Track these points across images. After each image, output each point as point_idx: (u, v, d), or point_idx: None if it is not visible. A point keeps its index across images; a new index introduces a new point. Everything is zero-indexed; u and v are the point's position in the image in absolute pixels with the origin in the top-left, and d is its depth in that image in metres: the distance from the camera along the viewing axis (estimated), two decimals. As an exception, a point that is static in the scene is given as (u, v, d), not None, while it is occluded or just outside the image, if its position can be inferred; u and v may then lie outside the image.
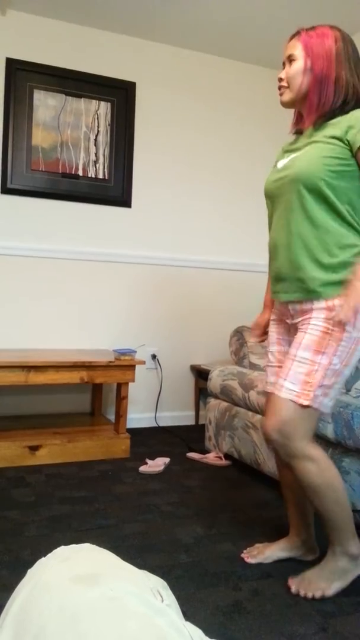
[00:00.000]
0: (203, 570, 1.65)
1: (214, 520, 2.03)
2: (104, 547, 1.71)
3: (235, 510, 2.13)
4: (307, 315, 1.53)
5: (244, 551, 1.77)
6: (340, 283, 1.48)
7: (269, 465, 2.35)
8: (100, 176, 3.31)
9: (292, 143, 1.66)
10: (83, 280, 3.31)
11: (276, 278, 1.62)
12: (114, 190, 3.35)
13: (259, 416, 2.45)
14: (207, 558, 1.73)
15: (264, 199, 3.72)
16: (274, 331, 1.73)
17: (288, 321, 1.64)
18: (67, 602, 0.80)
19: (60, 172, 3.21)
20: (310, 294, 1.51)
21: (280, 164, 1.62)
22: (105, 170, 3.32)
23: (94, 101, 3.28)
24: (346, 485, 1.89)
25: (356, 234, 1.51)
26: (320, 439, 2.05)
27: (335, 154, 1.47)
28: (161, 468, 2.58)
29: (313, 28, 1.55)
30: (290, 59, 1.56)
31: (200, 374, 3.51)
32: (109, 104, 3.31)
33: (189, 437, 3.25)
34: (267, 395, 1.68)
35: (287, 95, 1.58)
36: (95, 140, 3.30)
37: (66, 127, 3.22)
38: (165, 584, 0.91)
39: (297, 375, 1.48)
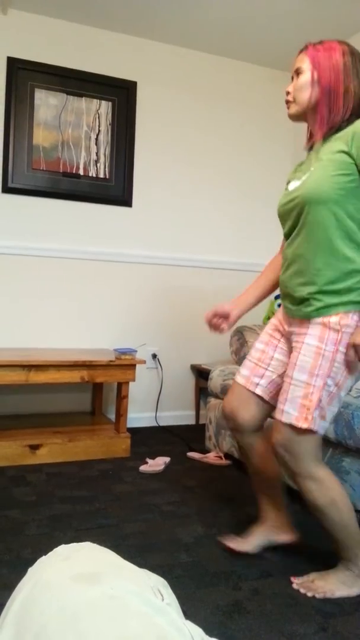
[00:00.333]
0: (203, 569, 1.66)
1: (215, 520, 2.03)
2: (105, 547, 1.71)
3: (235, 510, 2.13)
4: (303, 330, 1.54)
5: (226, 541, 1.78)
6: (341, 304, 1.48)
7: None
8: (101, 175, 3.31)
9: (303, 162, 1.66)
10: (84, 279, 3.31)
11: (284, 293, 1.64)
12: (115, 189, 3.35)
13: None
14: (207, 557, 1.73)
15: (264, 198, 3.73)
16: (268, 331, 1.74)
17: (285, 327, 1.66)
18: (68, 600, 0.80)
19: (61, 171, 3.21)
20: (311, 314, 1.52)
21: (291, 186, 1.62)
22: (106, 169, 3.32)
23: (95, 100, 3.28)
24: (346, 485, 1.90)
25: None
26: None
27: (342, 171, 1.46)
28: (161, 467, 2.58)
29: (321, 42, 1.55)
30: (298, 72, 1.56)
31: (201, 374, 3.51)
32: (110, 103, 3.31)
33: (190, 436, 3.25)
34: (235, 385, 1.72)
35: (293, 109, 1.59)
36: (96, 139, 3.30)
37: (67, 127, 3.22)
38: (165, 582, 0.91)
39: (295, 399, 1.49)
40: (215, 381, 2.81)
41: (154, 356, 3.48)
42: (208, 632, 1.33)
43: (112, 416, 3.38)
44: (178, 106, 3.50)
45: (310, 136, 1.64)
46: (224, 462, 2.70)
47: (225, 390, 2.70)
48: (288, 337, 1.65)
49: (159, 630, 0.76)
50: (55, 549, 0.96)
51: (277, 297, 3.28)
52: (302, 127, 3.51)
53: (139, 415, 3.47)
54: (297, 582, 1.58)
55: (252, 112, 3.70)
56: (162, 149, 3.47)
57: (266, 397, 1.68)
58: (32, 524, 1.93)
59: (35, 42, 3.15)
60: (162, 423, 3.52)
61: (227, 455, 2.76)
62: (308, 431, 1.48)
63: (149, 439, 3.15)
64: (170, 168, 3.49)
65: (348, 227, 1.47)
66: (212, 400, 2.88)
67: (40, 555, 0.97)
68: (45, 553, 0.98)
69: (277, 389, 1.67)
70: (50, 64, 3.17)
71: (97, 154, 3.30)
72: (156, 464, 2.60)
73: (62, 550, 0.95)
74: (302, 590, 1.54)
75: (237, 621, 1.40)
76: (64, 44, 3.22)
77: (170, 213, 3.50)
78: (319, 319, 1.50)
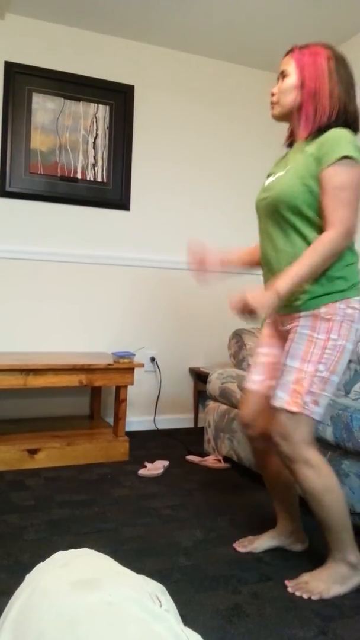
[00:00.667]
0: (202, 573, 1.65)
1: (214, 524, 2.03)
2: (103, 551, 1.71)
3: (234, 513, 2.13)
4: (295, 323, 1.59)
5: (237, 542, 1.84)
6: (326, 294, 1.54)
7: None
8: (99, 179, 3.31)
9: (282, 158, 1.71)
10: (82, 283, 3.31)
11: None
12: (113, 193, 3.35)
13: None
14: (206, 561, 1.73)
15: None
16: (266, 333, 1.79)
17: (280, 327, 1.70)
18: (66, 607, 0.80)
19: (58, 175, 3.21)
20: (299, 307, 1.57)
21: (267, 182, 1.68)
22: (104, 173, 3.33)
23: (92, 104, 3.28)
24: (345, 488, 1.89)
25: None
26: (319, 441, 2.05)
27: (312, 173, 1.51)
28: (160, 471, 2.58)
29: (307, 46, 1.59)
30: (284, 75, 1.61)
31: (199, 377, 3.51)
32: (107, 107, 3.32)
33: (188, 440, 3.25)
34: (244, 391, 1.77)
35: (277, 110, 1.64)
36: (94, 143, 3.30)
37: (65, 131, 3.22)
38: (163, 588, 0.91)
39: (287, 384, 1.54)
40: (213, 384, 2.81)
41: (153, 359, 3.48)
42: (207, 636, 1.33)
43: (110, 420, 3.37)
44: (175, 110, 3.51)
45: (291, 134, 1.70)
46: (223, 465, 2.70)
47: (223, 393, 2.69)
48: (285, 337, 1.68)
49: (156, 637, 0.76)
50: (53, 555, 0.96)
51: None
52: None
53: (137, 419, 3.46)
54: (291, 586, 1.58)
55: (249, 115, 3.71)
56: (160, 152, 3.48)
57: None
58: (30, 529, 1.92)
59: (32, 46, 3.16)
60: (161, 426, 3.51)
61: (226, 459, 2.76)
62: (302, 416, 1.52)
63: (147, 443, 3.14)
64: (167, 171, 3.50)
65: (319, 223, 1.53)
66: (211, 404, 2.88)
67: (39, 560, 0.97)
68: (44, 558, 0.98)
69: None
70: (47, 68, 3.17)
71: (94, 157, 3.30)
72: (155, 468, 2.60)
73: (60, 556, 0.95)
74: (297, 593, 1.55)
75: (237, 625, 1.40)
76: (61, 48, 3.22)
77: (168, 216, 3.51)
78: (309, 312, 1.55)
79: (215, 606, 1.48)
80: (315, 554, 1.79)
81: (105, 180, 3.33)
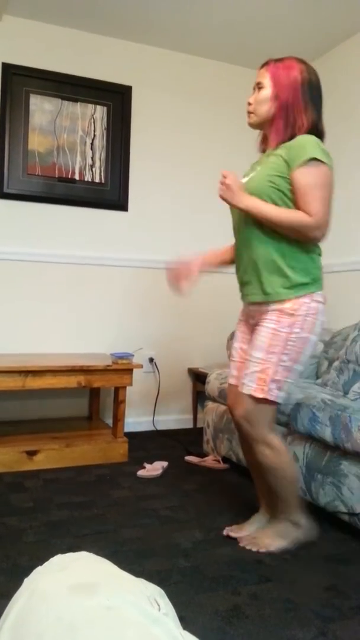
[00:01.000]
0: (202, 574, 1.65)
1: (213, 524, 2.03)
2: (103, 553, 1.71)
3: (234, 514, 2.12)
4: (262, 317, 1.75)
5: (227, 527, 1.95)
6: (295, 286, 1.69)
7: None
8: (97, 180, 3.31)
9: (256, 162, 1.85)
10: (80, 284, 3.31)
11: (242, 282, 1.84)
12: (111, 194, 3.35)
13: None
14: (205, 562, 1.73)
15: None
16: (239, 330, 1.93)
17: (251, 322, 1.85)
18: (65, 611, 0.80)
19: (56, 176, 3.21)
20: (268, 296, 1.72)
21: (242, 181, 1.81)
22: (102, 174, 3.32)
23: (90, 105, 3.28)
24: (344, 488, 1.89)
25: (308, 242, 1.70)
26: (318, 441, 2.05)
27: (281, 173, 1.66)
28: (159, 472, 2.58)
29: (281, 60, 1.72)
30: (259, 87, 1.73)
31: (198, 377, 3.51)
32: (105, 108, 3.32)
33: (187, 440, 3.25)
34: (229, 386, 1.94)
35: (253, 119, 1.77)
36: (92, 144, 3.30)
37: (62, 132, 3.22)
38: (162, 592, 0.91)
39: (253, 374, 1.72)
40: (212, 385, 2.81)
41: (151, 360, 3.48)
42: (207, 637, 1.33)
43: (109, 421, 3.37)
44: (173, 110, 3.51)
45: (264, 139, 1.83)
46: (222, 465, 2.70)
47: (222, 393, 2.69)
48: (256, 328, 1.81)
49: (155, 640, 0.76)
50: (52, 559, 0.96)
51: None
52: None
53: (136, 420, 3.46)
54: (242, 542, 1.81)
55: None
56: (158, 153, 3.48)
57: None
58: (29, 531, 1.92)
59: (30, 47, 3.15)
60: (160, 427, 3.51)
61: (225, 459, 2.76)
62: (265, 401, 1.71)
63: (146, 444, 3.14)
64: (165, 172, 3.50)
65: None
66: (210, 404, 2.88)
67: (38, 563, 0.97)
68: (43, 561, 0.97)
69: None
70: (45, 69, 3.17)
71: (92, 158, 3.30)
72: (154, 469, 2.60)
73: (58, 560, 0.95)
74: (247, 547, 1.78)
75: (236, 626, 1.40)
76: (59, 49, 3.22)
77: (166, 217, 3.50)
78: (275, 306, 1.71)
79: (214, 607, 1.48)
80: (316, 556, 1.79)
81: (103, 181, 3.33)
